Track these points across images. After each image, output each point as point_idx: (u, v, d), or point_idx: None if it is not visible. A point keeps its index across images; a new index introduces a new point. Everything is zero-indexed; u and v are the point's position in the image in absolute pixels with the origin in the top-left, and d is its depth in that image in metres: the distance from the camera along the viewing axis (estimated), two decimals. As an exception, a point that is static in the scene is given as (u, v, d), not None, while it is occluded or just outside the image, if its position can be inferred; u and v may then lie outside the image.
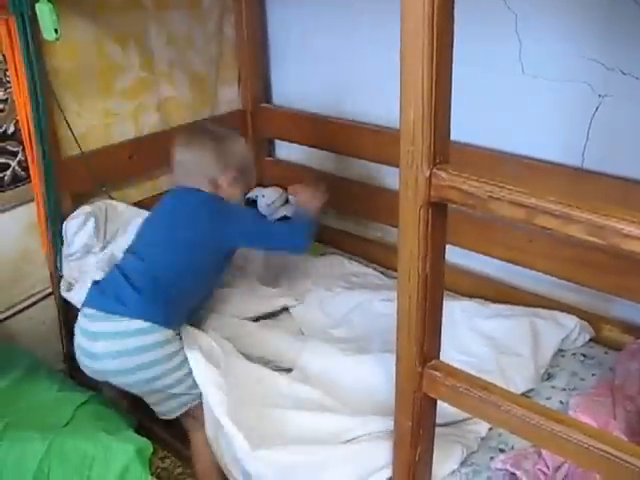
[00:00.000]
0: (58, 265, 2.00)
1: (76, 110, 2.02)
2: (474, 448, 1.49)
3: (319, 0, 2.29)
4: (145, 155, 2.20)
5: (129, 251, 1.72)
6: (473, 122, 1.88)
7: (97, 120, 2.09)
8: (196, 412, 1.60)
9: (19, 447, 1.21)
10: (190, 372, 1.56)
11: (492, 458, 1.47)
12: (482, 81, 1.87)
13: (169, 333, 1.56)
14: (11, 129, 1.93)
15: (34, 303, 2.10)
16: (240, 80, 2.51)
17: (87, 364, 1.53)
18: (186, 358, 1.57)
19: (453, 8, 0.94)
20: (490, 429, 1.53)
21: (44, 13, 1.68)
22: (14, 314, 2.05)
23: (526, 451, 1.43)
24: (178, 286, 1.63)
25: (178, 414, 1.60)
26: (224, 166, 1.80)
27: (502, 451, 1.49)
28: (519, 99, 1.85)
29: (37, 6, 1.67)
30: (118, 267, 1.66)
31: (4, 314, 2.02)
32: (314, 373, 1.61)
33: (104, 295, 1.57)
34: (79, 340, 1.55)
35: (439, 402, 1.22)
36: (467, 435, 1.51)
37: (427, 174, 1.00)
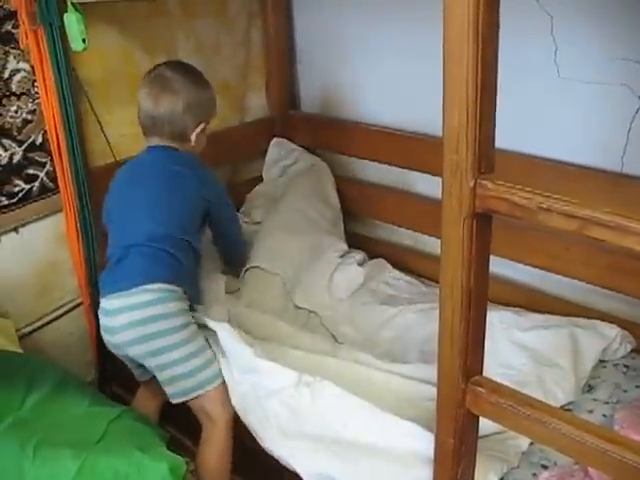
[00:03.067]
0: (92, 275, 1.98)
1: (106, 120, 2.01)
2: (515, 463, 1.44)
3: (346, 7, 2.27)
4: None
5: (120, 221, 1.71)
6: (507, 127, 1.83)
7: (127, 129, 2.07)
8: (209, 404, 1.61)
9: (51, 465, 1.19)
10: (200, 351, 1.59)
11: (535, 474, 1.42)
12: (516, 85, 1.83)
13: (178, 290, 1.60)
14: (39, 140, 1.93)
15: (63, 314, 2.09)
16: (267, 87, 2.49)
17: (108, 339, 1.62)
18: (196, 335, 1.61)
19: (498, 12, 0.90)
20: (531, 444, 1.49)
21: (72, 23, 1.67)
22: (42, 325, 2.05)
23: (571, 469, 1.38)
24: (179, 247, 1.65)
25: (189, 397, 1.59)
26: (195, 118, 1.74)
27: (545, 467, 1.44)
28: (555, 103, 1.81)
29: (65, 16, 1.66)
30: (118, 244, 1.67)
31: (32, 326, 2.02)
32: (349, 379, 1.57)
33: (114, 278, 1.61)
34: (102, 320, 1.62)
35: (480, 417, 1.18)
36: (507, 450, 1.46)
37: (472, 184, 0.97)
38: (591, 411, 1.60)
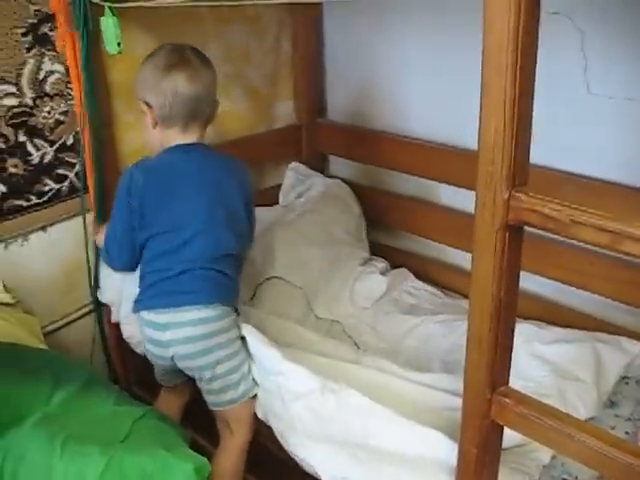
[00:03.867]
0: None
1: (134, 123, 2.04)
2: (536, 477, 1.44)
3: (375, 18, 2.28)
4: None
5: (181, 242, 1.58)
6: (534, 141, 1.84)
7: (154, 134, 2.10)
8: (235, 414, 1.63)
9: (79, 462, 1.20)
10: (244, 362, 1.61)
11: (555, 489, 1.42)
12: (546, 100, 1.83)
13: (232, 308, 1.61)
14: (70, 141, 1.96)
15: (86, 314, 2.12)
16: (296, 95, 2.51)
17: (154, 351, 1.61)
18: (242, 348, 1.62)
19: (538, 21, 0.91)
20: (553, 457, 1.48)
21: (108, 26, 1.69)
22: (66, 324, 2.08)
23: (593, 484, 1.38)
24: (237, 265, 1.66)
25: (232, 407, 1.62)
26: (215, 95, 1.66)
27: (566, 482, 1.44)
28: (584, 118, 1.81)
29: (102, 20, 1.69)
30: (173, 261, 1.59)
31: (57, 324, 2.05)
32: (371, 386, 1.58)
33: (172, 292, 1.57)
34: (151, 334, 1.59)
35: (504, 428, 1.19)
36: (528, 463, 1.46)
37: (506, 196, 0.98)
38: (613, 427, 1.59)
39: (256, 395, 1.65)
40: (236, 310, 1.64)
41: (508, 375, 1.15)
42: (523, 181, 0.99)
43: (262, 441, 1.67)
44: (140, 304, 1.60)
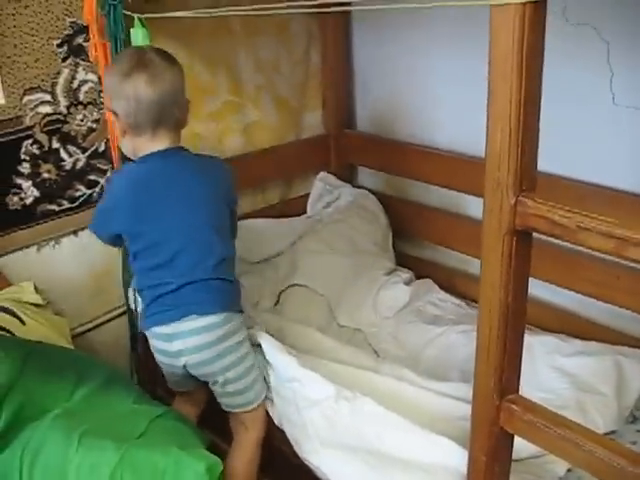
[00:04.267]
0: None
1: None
2: (551, 489, 1.43)
3: (403, 31, 2.30)
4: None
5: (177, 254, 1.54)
6: (561, 153, 1.83)
7: (185, 142, 2.13)
8: (250, 416, 1.65)
9: (94, 454, 1.23)
10: (255, 365, 1.63)
11: (570, 501, 1.41)
12: (570, 111, 1.83)
13: (237, 311, 1.61)
14: (102, 148, 2.02)
15: (114, 317, 2.16)
16: (324, 106, 2.54)
17: (167, 362, 1.61)
18: (251, 350, 1.64)
19: (544, 30, 0.92)
20: (569, 470, 1.47)
21: (138, 37, 1.73)
22: (95, 327, 2.12)
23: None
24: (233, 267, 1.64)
25: (248, 409, 1.63)
26: (185, 95, 1.58)
27: (581, 496, 1.43)
28: (609, 130, 1.79)
29: (132, 31, 1.73)
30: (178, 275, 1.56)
31: (85, 326, 2.09)
32: (387, 394, 1.58)
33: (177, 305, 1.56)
34: (161, 345, 1.59)
35: (516, 437, 1.18)
36: (544, 474, 1.45)
37: (513, 201, 0.98)
38: (634, 442, 1.57)
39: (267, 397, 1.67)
40: (240, 311, 1.64)
41: (518, 383, 1.15)
42: (530, 187, 0.99)
43: (277, 445, 1.68)
44: (147, 322, 1.59)
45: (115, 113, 1.53)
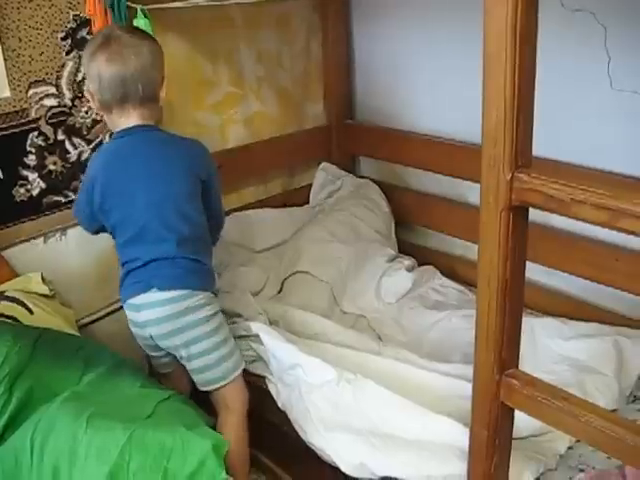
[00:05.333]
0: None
1: (167, 122, 2.10)
2: (552, 466, 1.45)
3: (403, 21, 2.32)
4: (232, 166, 2.26)
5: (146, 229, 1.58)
6: (559, 137, 1.86)
7: (187, 132, 2.15)
8: (228, 393, 1.67)
9: (102, 435, 1.26)
10: (226, 340, 1.65)
11: (571, 478, 1.42)
12: (568, 96, 1.85)
13: (198, 293, 1.62)
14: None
15: (120, 307, 2.17)
16: (325, 97, 2.56)
17: (137, 332, 1.66)
18: (223, 325, 1.66)
19: (537, 12, 0.94)
20: (570, 448, 1.49)
21: (140, 28, 1.77)
22: (101, 317, 2.14)
23: (609, 472, 1.38)
24: (202, 246, 1.67)
25: (217, 386, 1.66)
26: (160, 72, 1.58)
27: (582, 472, 1.44)
28: (607, 114, 1.81)
29: (134, 21, 1.76)
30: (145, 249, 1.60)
31: (92, 317, 2.11)
32: (390, 376, 1.61)
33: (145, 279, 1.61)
34: (131, 316, 1.66)
35: (516, 415, 1.20)
36: (545, 452, 1.47)
37: (508, 177, 1.00)
38: (635, 421, 1.59)
39: (242, 372, 1.70)
40: (207, 289, 1.65)
41: (517, 358, 1.17)
42: (526, 163, 1.01)
43: (285, 430, 1.71)
44: (122, 295, 1.66)
45: (90, 93, 1.59)
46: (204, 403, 1.70)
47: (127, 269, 1.63)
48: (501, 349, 1.13)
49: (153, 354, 1.73)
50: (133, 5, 1.73)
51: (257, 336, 1.75)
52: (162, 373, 1.81)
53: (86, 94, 1.65)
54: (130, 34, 1.55)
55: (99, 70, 1.51)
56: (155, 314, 1.59)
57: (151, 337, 1.64)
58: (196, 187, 1.63)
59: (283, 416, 1.68)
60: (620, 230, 0.90)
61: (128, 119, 1.58)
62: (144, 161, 1.58)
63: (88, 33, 1.93)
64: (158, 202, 1.58)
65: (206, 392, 1.69)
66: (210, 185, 1.67)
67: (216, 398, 1.69)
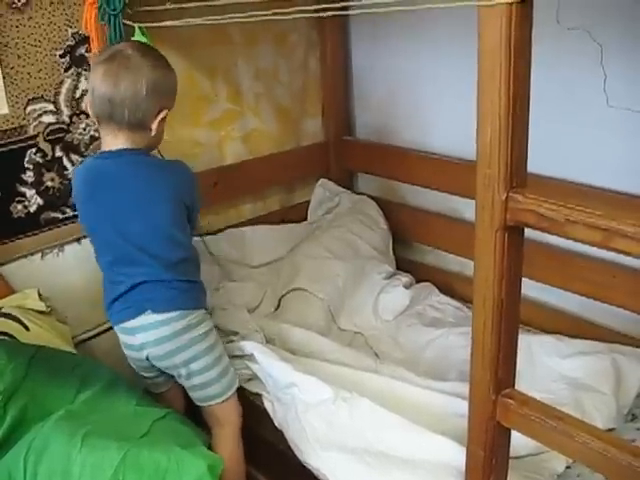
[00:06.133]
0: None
1: (167, 139, 2.10)
2: (549, 486, 1.44)
3: (401, 38, 2.33)
4: (230, 183, 2.27)
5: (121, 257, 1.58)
6: (555, 154, 1.86)
7: (185, 149, 2.17)
8: (221, 410, 1.67)
9: (97, 454, 1.25)
10: (221, 357, 1.66)
11: (569, 498, 1.42)
12: (564, 113, 1.86)
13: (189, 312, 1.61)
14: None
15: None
16: (323, 113, 2.57)
17: (133, 356, 1.65)
18: (218, 342, 1.66)
19: (531, 29, 0.94)
20: (568, 467, 1.48)
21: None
22: (98, 334, 2.13)
23: (606, 491, 1.37)
24: (188, 267, 1.64)
25: (214, 402, 1.65)
26: (158, 103, 1.51)
27: (580, 491, 1.44)
28: (603, 131, 1.82)
29: (132, 39, 1.76)
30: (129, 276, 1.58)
31: (88, 334, 2.10)
32: (386, 394, 1.60)
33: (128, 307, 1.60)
34: (124, 339, 1.64)
35: (513, 434, 1.20)
36: (542, 471, 1.46)
37: (503, 197, 1.00)
38: (633, 440, 1.58)
39: (237, 389, 1.70)
40: (199, 307, 1.65)
41: (514, 377, 1.17)
42: (521, 183, 1.01)
43: (281, 448, 1.70)
44: (112, 318, 1.65)
45: (88, 102, 1.57)
46: (201, 421, 1.70)
47: (113, 292, 1.62)
48: (497, 369, 1.12)
49: (147, 375, 1.72)
50: (131, 24, 1.73)
51: (253, 355, 1.74)
52: (155, 393, 1.79)
53: (85, 103, 1.63)
54: (142, 57, 1.50)
55: (94, 84, 1.49)
56: (153, 336, 1.58)
57: (147, 358, 1.62)
58: (181, 210, 1.59)
59: (279, 435, 1.67)
60: (614, 250, 0.90)
61: (115, 139, 1.53)
62: (127, 185, 1.54)
63: (87, 51, 1.94)
64: (143, 228, 1.55)
65: (201, 408, 1.69)
66: (192, 209, 1.65)
67: (211, 414, 1.69)
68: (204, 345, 1.62)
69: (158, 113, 1.52)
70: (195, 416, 1.70)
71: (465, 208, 2.25)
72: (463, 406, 1.52)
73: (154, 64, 1.52)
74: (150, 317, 1.57)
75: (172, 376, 1.68)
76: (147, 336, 1.58)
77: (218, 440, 1.66)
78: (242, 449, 1.72)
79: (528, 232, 1.05)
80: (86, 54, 1.95)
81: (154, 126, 1.52)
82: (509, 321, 1.10)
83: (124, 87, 1.46)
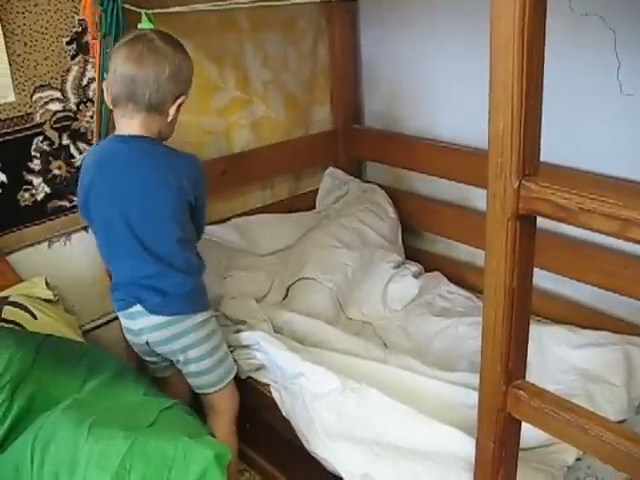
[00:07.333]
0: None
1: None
2: (559, 477, 1.43)
3: (410, 26, 2.31)
4: (238, 171, 2.26)
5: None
6: (568, 143, 1.84)
7: (193, 137, 2.16)
8: (218, 398, 1.69)
9: (104, 443, 1.25)
10: (220, 345, 1.67)
11: (579, 490, 1.40)
12: (577, 101, 1.83)
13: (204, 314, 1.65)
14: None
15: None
16: (332, 101, 2.55)
17: (133, 340, 1.67)
18: (216, 330, 1.68)
19: (545, 15, 0.92)
20: (578, 459, 1.47)
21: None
22: (105, 323, 2.14)
23: (616, 484, 1.36)
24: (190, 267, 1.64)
25: (212, 390, 1.68)
26: (177, 89, 1.52)
27: (590, 483, 1.42)
28: (617, 119, 1.79)
29: (139, 26, 1.74)
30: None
31: (95, 323, 2.11)
32: (395, 384, 1.59)
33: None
34: (126, 324, 1.66)
35: (523, 425, 1.18)
36: (552, 463, 1.45)
37: (516, 185, 0.98)
38: (643, 433, 1.56)
39: (235, 377, 1.71)
40: (200, 304, 1.66)
41: (524, 368, 1.15)
42: (534, 171, 0.99)
43: (289, 438, 1.69)
44: (115, 306, 1.67)
45: (107, 84, 1.55)
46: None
47: (113, 280, 1.67)
48: (508, 360, 1.11)
49: (149, 359, 1.74)
50: (137, 9, 1.71)
51: (260, 344, 1.74)
52: (159, 377, 1.80)
53: (104, 84, 1.61)
54: (164, 42, 1.52)
55: (116, 64, 1.50)
56: (151, 321, 1.60)
57: (147, 343, 1.64)
58: (181, 203, 1.57)
59: (287, 424, 1.67)
60: (631, 240, 0.88)
61: (130, 122, 1.53)
62: (136, 171, 1.53)
63: (93, 38, 1.92)
64: (141, 216, 1.54)
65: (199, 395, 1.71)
66: (198, 204, 1.63)
67: (207, 402, 1.71)
68: (202, 333, 1.63)
69: (176, 99, 1.54)
70: (198, 402, 1.73)
71: (475, 197, 2.23)
72: (472, 397, 1.51)
73: (176, 49, 1.54)
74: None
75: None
76: (146, 321, 1.60)
77: (212, 427, 1.67)
78: (236, 438, 1.74)
79: (539, 222, 1.03)
80: (93, 41, 1.93)
81: (171, 111, 1.54)
82: (520, 312, 1.08)
83: (148, 68, 1.47)
